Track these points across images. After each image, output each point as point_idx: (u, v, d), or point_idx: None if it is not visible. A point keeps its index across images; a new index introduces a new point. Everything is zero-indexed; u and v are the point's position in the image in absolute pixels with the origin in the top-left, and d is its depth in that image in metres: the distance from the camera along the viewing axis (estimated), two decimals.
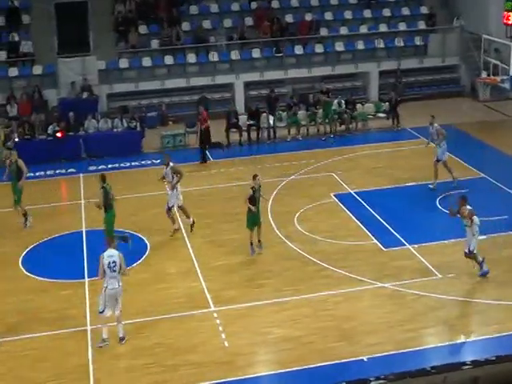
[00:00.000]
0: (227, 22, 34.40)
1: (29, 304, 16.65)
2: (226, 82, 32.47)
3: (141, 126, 28.19)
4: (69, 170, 26.02)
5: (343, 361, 14.05)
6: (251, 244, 18.66)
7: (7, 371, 14.14)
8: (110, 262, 14.59)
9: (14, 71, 31.59)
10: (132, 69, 32.29)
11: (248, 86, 32.51)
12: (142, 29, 33.78)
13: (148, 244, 19.53)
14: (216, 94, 32.11)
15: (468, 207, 16.53)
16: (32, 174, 25.39)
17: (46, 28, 32.49)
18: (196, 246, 19.34)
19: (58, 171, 25.58)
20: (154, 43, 33.25)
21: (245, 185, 23.39)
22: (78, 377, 13.88)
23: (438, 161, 22.28)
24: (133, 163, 26.44)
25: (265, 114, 28.89)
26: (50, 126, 27.53)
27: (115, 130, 27.86)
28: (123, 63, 32.31)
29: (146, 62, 32.44)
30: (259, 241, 18.81)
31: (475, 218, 16.39)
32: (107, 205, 18.74)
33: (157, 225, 20.55)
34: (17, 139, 27.07)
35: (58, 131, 26.96)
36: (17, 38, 32.39)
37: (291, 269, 17.78)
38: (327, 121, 28.97)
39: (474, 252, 16.54)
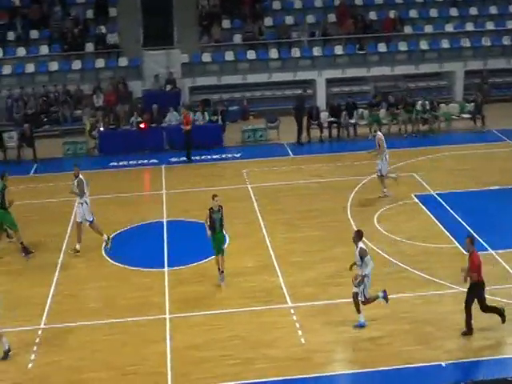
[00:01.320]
0: (310, 18, 34.32)
1: (111, 290, 17.03)
2: (308, 79, 32.40)
3: (222, 120, 28.44)
4: (151, 161, 26.52)
5: (420, 365, 13.81)
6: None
7: (90, 354, 14.48)
8: None
9: (100, 63, 32.30)
10: (215, 63, 32.58)
11: (330, 82, 32.36)
12: (226, 23, 34.02)
13: (227, 236, 19.61)
14: (297, 90, 32.05)
15: None
16: (115, 164, 26.16)
17: (132, 21, 33.06)
18: (275, 241, 19.38)
19: (140, 161, 26.06)
20: (237, 38, 33.45)
21: (324, 182, 23.60)
22: (155, 364, 14.08)
23: None
24: (213, 156, 26.73)
25: (345, 112, 28.80)
26: (132, 117, 28.07)
27: (197, 122, 28.16)
28: (206, 57, 32.62)
29: (229, 56, 32.67)
30: (221, 271, 17.04)
31: None
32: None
33: (235, 218, 20.64)
34: (102, 129, 27.70)
35: (141, 122, 27.43)
36: (104, 31, 33.11)
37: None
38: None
39: None
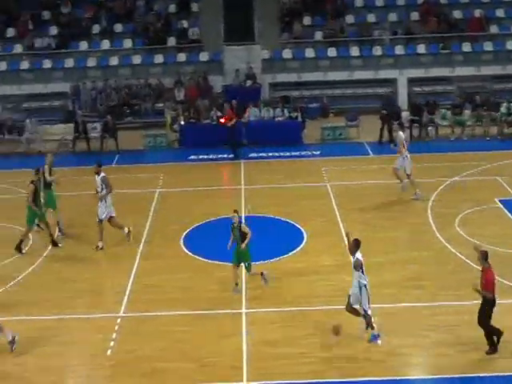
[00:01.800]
0: (392, 17, 33.99)
1: (189, 282, 17.18)
2: (389, 77, 32.03)
3: (302, 117, 28.39)
4: (230, 156, 26.67)
5: (502, 374, 13.40)
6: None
7: (168, 345, 14.62)
8: None
9: (182, 57, 32.69)
10: (295, 59, 32.57)
11: (411, 82, 31.90)
12: (307, 20, 33.97)
13: (305, 234, 19.62)
14: (378, 88, 31.71)
15: None
16: (195, 157, 26.40)
17: (213, 16, 33.35)
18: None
19: (220, 156, 26.25)
20: (318, 35, 33.34)
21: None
22: (232, 358, 14.09)
23: None
24: (292, 153, 26.72)
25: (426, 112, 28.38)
26: (212, 112, 28.28)
27: (276, 119, 28.19)
28: (287, 53, 32.62)
29: (309, 53, 32.59)
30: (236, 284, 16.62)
31: None
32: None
33: (313, 215, 20.63)
34: (182, 122, 28.00)
35: (221, 117, 27.62)
36: (186, 25, 33.49)
37: (451, 273, 17.26)
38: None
39: None
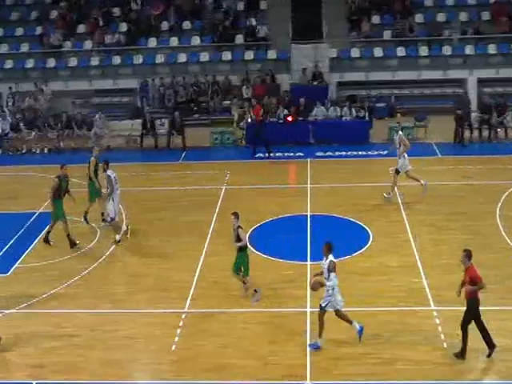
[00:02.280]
0: (463, 16, 33.42)
1: (255, 279, 17.11)
2: (459, 78, 31.49)
3: (369, 116, 28.18)
4: (297, 154, 26.67)
5: None
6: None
7: (232, 341, 14.67)
8: None
9: (249, 54, 32.76)
10: (363, 58, 32.32)
11: (481, 82, 31.30)
12: (375, 19, 33.65)
13: (371, 234, 19.45)
14: (447, 89, 31.23)
15: None
16: (262, 155, 26.45)
17: (281, 14, 33.34)
18: (420, 241, 18.94)
19: (286, 154, 26.30)
20: (387, 34, 32.99)
21: (473, 184, 22.84)
22: (296, 356, 14.05)
23: None
24: (359, 152, 26.53)
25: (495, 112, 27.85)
26: (279, 110, 28.30)
27: (343, 118, 28.04)
28: (355, 52, 32.39)
29: (378, 52, 32.28)
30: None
31: None
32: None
33: (379, 216, 20.45)
34: (249, 120, 28.07)
35: (288, 115, 27.59)
36: (254, 23, 33.51)
37: None
38: None
39: None
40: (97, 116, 29.06)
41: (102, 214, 20.58)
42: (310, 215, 20.79)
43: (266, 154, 26.39)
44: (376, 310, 15.72)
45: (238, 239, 16.08)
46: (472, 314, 13.73)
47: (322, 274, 14.35)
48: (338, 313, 14.40)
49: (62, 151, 28.25)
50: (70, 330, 15.34)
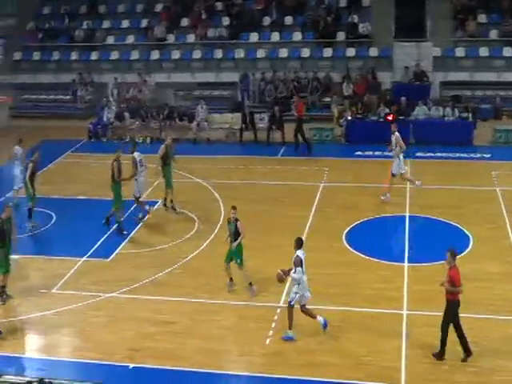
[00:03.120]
0: None
1: (350, 278, 17.10)
2: None
3: (473, 118, 27.50)
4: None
5: None
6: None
7: (325, 339, 14.62)
8: None
9: (351, 52, 32.54)
10: (468, 58, 31.58)
11: None
12: (481, 18, 32.81)
13: (471, 238, 19.00)
14: None
15: None
16: (361, 153, 26.25)
17: (384, 11, 32.97)
18: None
19: (385, 153, 25.96)
20: (493, 33, 32.11)
21: None
22: (390, 358, 13.93)
23: None
24: (461, 154, 25.95)
25: None
26: (380, 108, 28.00)
27: (446, 118, 27.49)
28: (459, 52, 31.70)
29: (484, 52, 31.49)
30: (231, 278, 16.86)
31: None
32: None
33: (481, 220, 19.97)
34: (349, 117, 27.89)
35: (388, 114, 27.26)
36: (356, 20, 33.24)
37: None
38: None
39: None
40: (199, 106, 29.36)
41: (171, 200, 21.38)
42: (409, 216, 20.47)
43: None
44: (475, 317, 15.30)
45: (237, 232, 16.43)
46: (450, 316, 13.71)
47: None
48: (303, 308, 14.70)
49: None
50: (167, 316, 15.67)
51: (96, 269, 18.02)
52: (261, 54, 33.37)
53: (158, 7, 36.02)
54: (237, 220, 16.49)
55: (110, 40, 35.51)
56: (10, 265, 16.73)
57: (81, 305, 16.25)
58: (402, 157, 21.55)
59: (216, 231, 19.92)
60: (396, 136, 21.66)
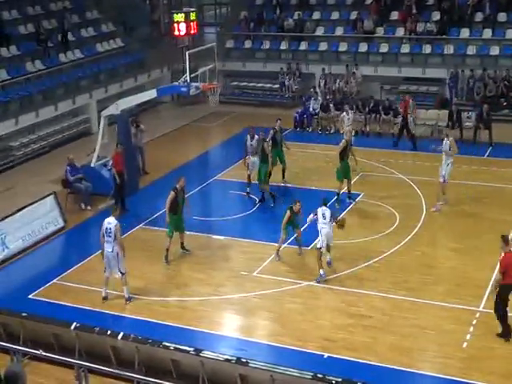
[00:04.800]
0: None
1: None
2: None
3: None
4: None
5: None
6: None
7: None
8: (106, 228, 15.82)
9: None
10: None
11: None
12: None
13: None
14: None
15: None
16: None
17: None
18: None
19: None
20: None
21: None
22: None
23: None
24: None
25: None
26: None
27: None
28: None
29: None
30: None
31: None
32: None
33: None
34: None
35: None
36: None
37: None
38: None
39: None
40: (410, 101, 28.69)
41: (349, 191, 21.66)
42: None
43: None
44: None
45: (263, 151, 20.99)
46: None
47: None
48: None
49: (367, 135, 28.77)
50: (363, 309, 15.78)
51: (295, 256, 18.44)
52: (471, 50, 32.33)
53: (368, 0, 35.97)
54: (264, 140, 21.32)
55: (319, 31, 35.96)
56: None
57: (279, 290, 16.73)
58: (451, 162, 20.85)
59: (417, 229, 19.75)
60: (451, 140, 20.83)
